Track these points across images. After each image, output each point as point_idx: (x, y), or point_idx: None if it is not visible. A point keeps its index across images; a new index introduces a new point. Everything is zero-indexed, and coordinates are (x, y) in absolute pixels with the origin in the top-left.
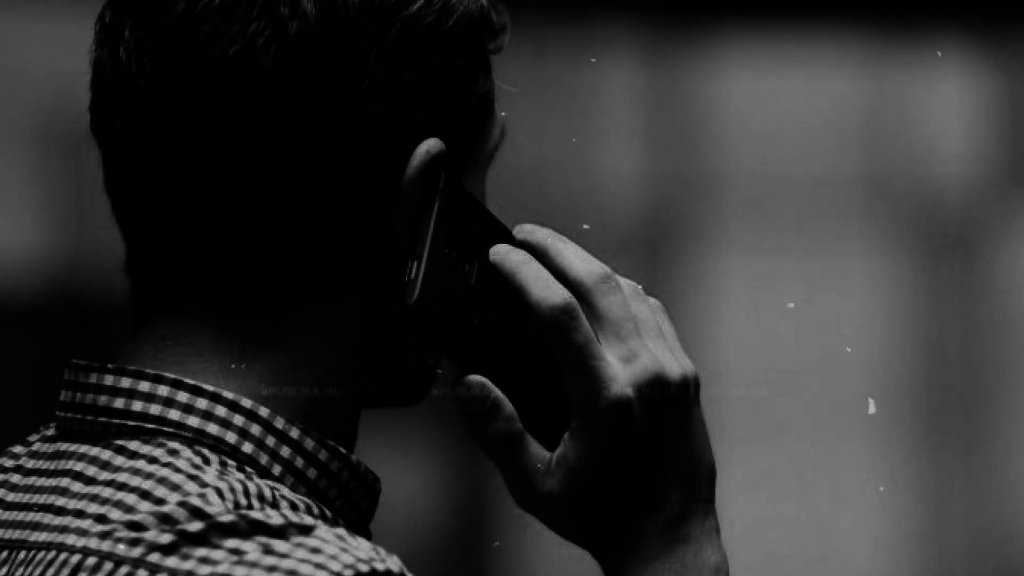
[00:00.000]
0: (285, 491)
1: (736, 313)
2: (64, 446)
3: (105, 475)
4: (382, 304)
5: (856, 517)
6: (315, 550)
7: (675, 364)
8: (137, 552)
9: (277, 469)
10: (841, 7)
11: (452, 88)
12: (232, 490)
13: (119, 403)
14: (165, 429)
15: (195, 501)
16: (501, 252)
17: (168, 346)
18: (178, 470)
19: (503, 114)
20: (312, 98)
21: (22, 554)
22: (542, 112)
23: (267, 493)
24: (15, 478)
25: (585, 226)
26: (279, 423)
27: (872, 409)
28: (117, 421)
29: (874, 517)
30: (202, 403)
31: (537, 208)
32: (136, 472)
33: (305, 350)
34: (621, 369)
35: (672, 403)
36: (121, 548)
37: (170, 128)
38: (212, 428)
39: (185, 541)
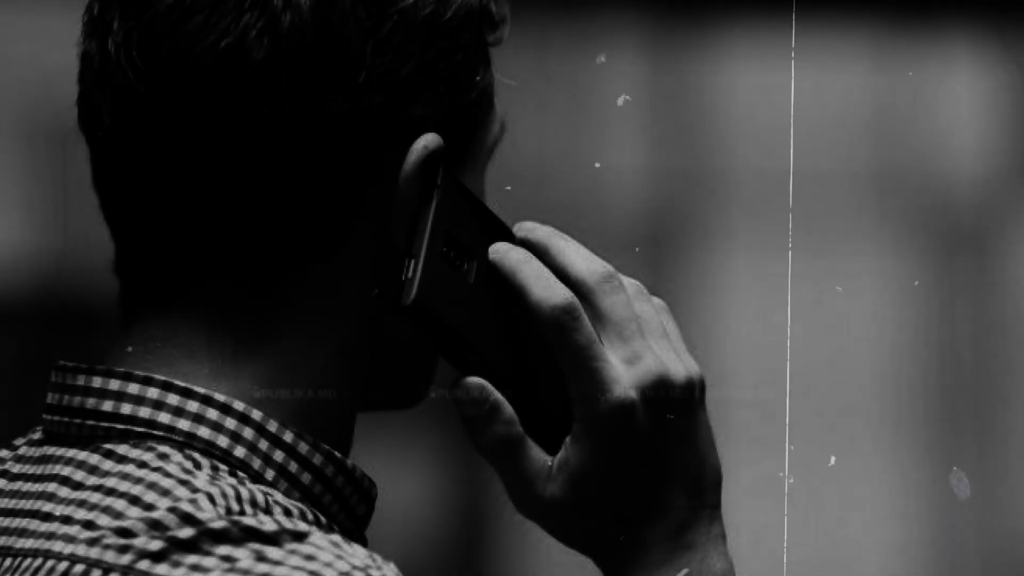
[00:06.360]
0: (278, 496)
1: (743, 313)
2: (51, 450)
3: (93, 480)
4: (377, 304)
5: (866, 523)
6: (309, 557)
7: (680, 365)
8: (126, 559)
9: (270, 474)
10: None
11: (450, 82)
12: (224, 495)
13: (107, 406)
14: (155, 432)
15: (186, 507)
16: (501, 250)
17: (158, 347)
18: (168, 475)
19: (503, 109)
20: (306, 92)
21: (8, 561)
22: (543, 107)
23: (260, 498)
24: (0, 483)
25: (586, 222)
26: (272, 426)
27: None
28: (105, 424)
29: (885, 522)
30: (193, 406)
31: (538, 205)
32: (125, 477)
33: (299, 351)
34: (624, 371)
35: (677, 405)
36: (110, 555)
37: (159, 123)
38: (203, 431)
39: (175, 548)
